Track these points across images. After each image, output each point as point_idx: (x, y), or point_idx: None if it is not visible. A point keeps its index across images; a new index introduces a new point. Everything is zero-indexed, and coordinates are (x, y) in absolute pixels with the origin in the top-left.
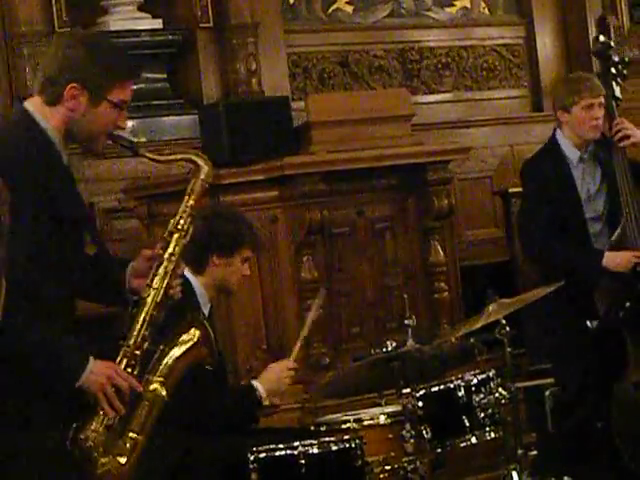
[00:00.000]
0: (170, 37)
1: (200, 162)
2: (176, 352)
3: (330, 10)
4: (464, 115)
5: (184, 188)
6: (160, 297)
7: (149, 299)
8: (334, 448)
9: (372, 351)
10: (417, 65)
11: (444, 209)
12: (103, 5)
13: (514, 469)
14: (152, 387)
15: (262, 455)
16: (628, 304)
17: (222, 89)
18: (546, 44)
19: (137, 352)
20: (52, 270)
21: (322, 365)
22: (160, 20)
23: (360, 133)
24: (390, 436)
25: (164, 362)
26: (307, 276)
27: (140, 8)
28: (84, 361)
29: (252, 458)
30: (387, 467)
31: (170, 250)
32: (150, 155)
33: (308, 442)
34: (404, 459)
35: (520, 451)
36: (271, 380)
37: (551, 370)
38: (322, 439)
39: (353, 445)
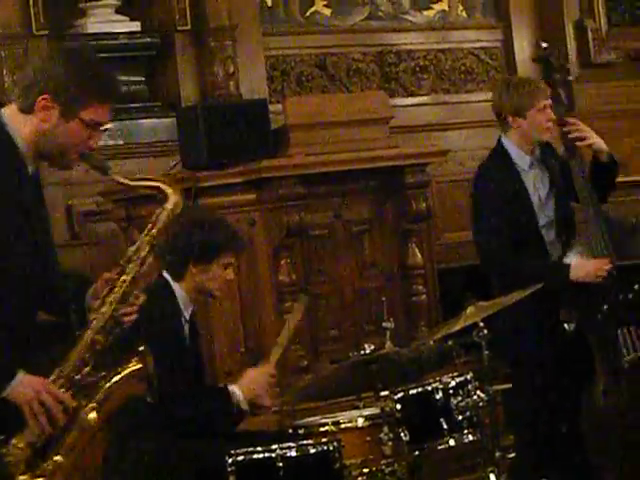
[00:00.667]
0: (148, 40)
1: (169, 191)
2: (114, 380)
3: (308, 13)
4: (442, 118)
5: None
6: (106, 322)
7: (94, 323)
8: (312, 451)
9: (350, 354)
10: (395, 68)
11: (422, 212)
12: (81, 8)
13: (492, 472)
14: (85, 412)
15: (240, 458)
16: (606, 307)
17: (200, 92)
18: (524, 47)
19: (74, 375)
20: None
21: (300, 368)
22: (138, 23)
23: (338, 136)
24: (368, 439)
25: (101, 389)
26: (285, 279)
27: (118, 11)
28: (11, 374)
29: (230, 461)
30: (365, 470)
31: (124, 277)
32: (119, 179)
33: (286, 445)
34: (382, 462)
35: (498, 454)
36: (249, 385)
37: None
38: (300, 442)
39: (331, 448)
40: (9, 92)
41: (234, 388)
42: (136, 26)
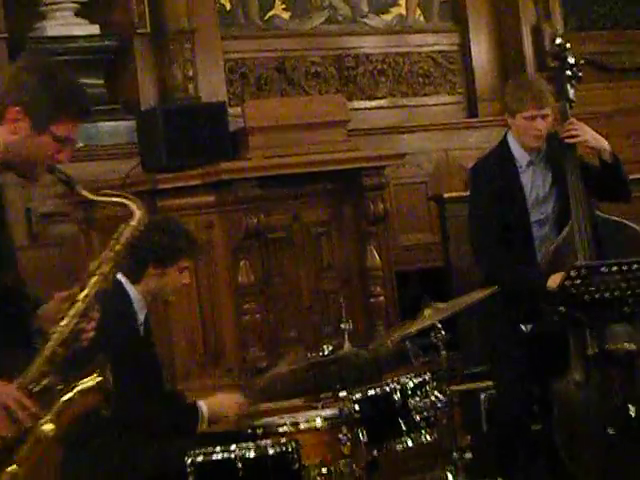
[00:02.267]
0: (107, 43)
1: (133, 207)
2: (72, 393)
3: (267, 16)
4: (400, 121)
5: (121, 193)
6: (67, 336)
7: (55, 335)
8: (271, 452)
9: (310, 355)
10: (353, 71)
11: (379, 214)
12: (40, 11)
13: (449, 471)
14: (41, 423)
15: (199, 459)
16: (562, 308)
17: (159, 95)
18: (481, 51)
19: (32, 387)
20: None
21: (258, 369)
22: (97, 26)
23: (296, 139)
24: (327, 439)
25: (59, 401)
26: (244, 280)
27: (77, 14)
28: None
29: (189, 461)
30: (323, 470)
31: (86, 292)
32: (85, 193)
33: (245, 445)
34: (341, 462)
35: (455, 453)
36: (218, 404)
37: (487, 372)
38: (259, 442)
39: (290, 449)
40: None
41: (202, 406)
42: (95, 29)
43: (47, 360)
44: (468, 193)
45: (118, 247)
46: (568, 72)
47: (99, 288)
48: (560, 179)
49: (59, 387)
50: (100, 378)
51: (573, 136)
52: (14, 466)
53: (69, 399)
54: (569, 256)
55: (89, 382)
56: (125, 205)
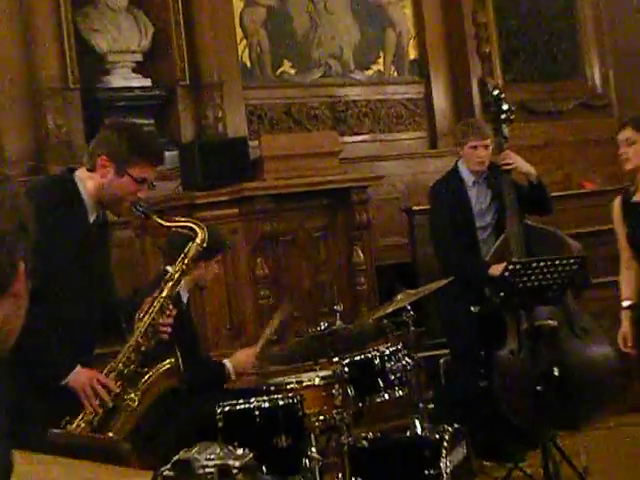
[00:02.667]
0: (156, 92)
1: (197, 230)
2: (153, 376)
3: (278, 72)
4: (379, 152)
5: (169, 206)
6: (147, 329)
7: (138, 330)
8: (281, 403)
9: (310, 330)
10: (343, 114)
11: (364, 222)
12: (106, 68)
13: (417, 418)
14: (130, 399)
15: (227, 409)
16: (502, 294)
17: (196, 132)
18: (440, 98)
19: (123, 370)
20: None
21: (272, 340)
22: (149, 79)
23: (300, 165)
24: (323, 394)
25: (144, 381)
26: (260, 273)
27: (134, 70)
28: (72, 366)
29: (219, 411)
30: (321, 417)
31: (162, 294)
32: (160, 221)
33: (261, 398)
34: (334, 411)
35: (421, 405)
36: (240, 362)
37: (444, 343)
38: (272, 396)
39: (295, 401)
40: (53, 134)
41: (228, 363)
42: (148, 82)
43: (133, 349)
44: (429, 206)
45: (187, 260)
46: (503, 116)
47: (173, 292)
48: (497, 196)
49: (145, 370)
50: (172, 362)
51: (508, 164)
52: (111, 433)
53: (151, 379)
54: (507, 254)
55: (165, 367)
56: (191, 228)
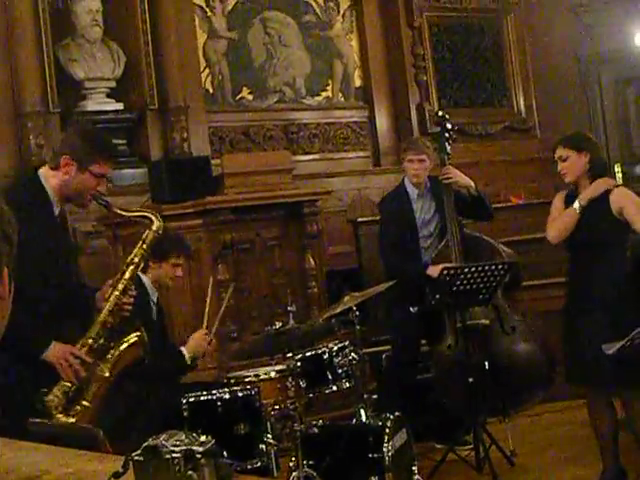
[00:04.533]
0: (128, 115)
1: (154, 218)
2: (121, 348)
3: (237, 97)
4: (327, 169)
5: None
6: (113, 308)
7: (105, 308)
8: (240, 394)
9: (266, 328)
10: (296, 135)
11: (314, 232)
12: (82, 93)
13: (362, 407)
14: (100, 369)
15: (191, 399)
16: (438, 296)
17: (163, 151)
18: (382, 122)
19: (93, 344)
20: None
21: (231, 337)
22: (121, 104)
23: (258, 181)
24: (278, 386)
25: (112, 354)
26: (221, 277)
27: (108, 95)
28: (48, 342)
29: (184, 401)
30: (276, 407)
31: (125, 276)
32: (119, 211)
33: (222, 390)
34: (288, 401)
35: (365, 395)
36: (192, 345)
37: (386, 340)
38: (232, 388)
39: (253, 392)
40: (34, 153)
41: (183, 349)
42: (120, 106)
43: (101, 326)
44: (378, 217)
45: (145, 245)
46: (446, 134)
47: (133, 274)
48: (440, 208)
49: (112, 344)
50: (139, 334)
51: (449, 178)
52: (85, 401)
53: (120, 352)
54: (446, 259)
55: (131, 339)
56: (148, 217)
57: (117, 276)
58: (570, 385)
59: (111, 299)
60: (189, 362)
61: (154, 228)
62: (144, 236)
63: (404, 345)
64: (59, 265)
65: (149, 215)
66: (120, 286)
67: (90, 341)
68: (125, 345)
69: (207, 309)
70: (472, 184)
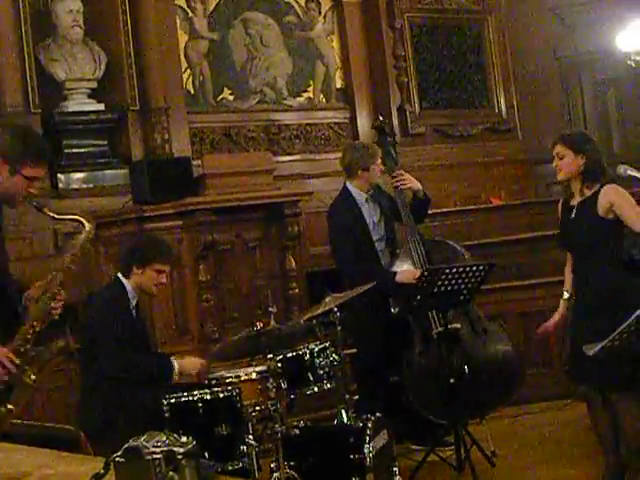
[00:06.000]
0: (109, 116)
1: (85, 222)
2: (45, 355)
3: (218, 98)
4: (309, 170)
5: (120, 218)
6: (42, 313)
7: (33, 313)
8: (221, 395)
9: (247, 329)
10: (277, 136)
11: (295, 233)
12: (64, 94)
13: (343, 408)
14: (27, 375)
15: (172, 400)
16: (416, 302)
17: (145, 152)
18: (363, 123)
19: (20, 348)
20: None
21: (213, 339)
22: (103, 104)
23: (239, 182)
24: (259, 387)
25: (39, 358)
26: (203, 278)
27: (89, 96)
28: None
29: (165, 402)
30: (257, 408)
31: (55, 281)
32: (49, 213)
33: (203, 391)
34: (269, 402)
35: (347, 396)
36: (184, 365)
37: (356, 345)
38: (213, 389)
39: (234, 393)
40: None
41: (175, 362)
42: (101, 107)
43: (28, 331)
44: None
45: (76, 251)
46: (388, 139)
47: (62, 279)
48: (384, 212)
49: (38, 349)
50: (64, 342)
51: (404, 183)
52: (10, 405)
53: (46, 358)
54: (408, 262)
55: (59, 344)
56: (78, 220)
57: (48, 279)
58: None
59: (39, 304)
60: (176, 377)
61: (87, 229)
62: (75, 240)
63: (374, 349)
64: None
65: (79, 218)
66: (50, 291)
67: (18, 344)
68: (51, 351)
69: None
70: (421, 187)
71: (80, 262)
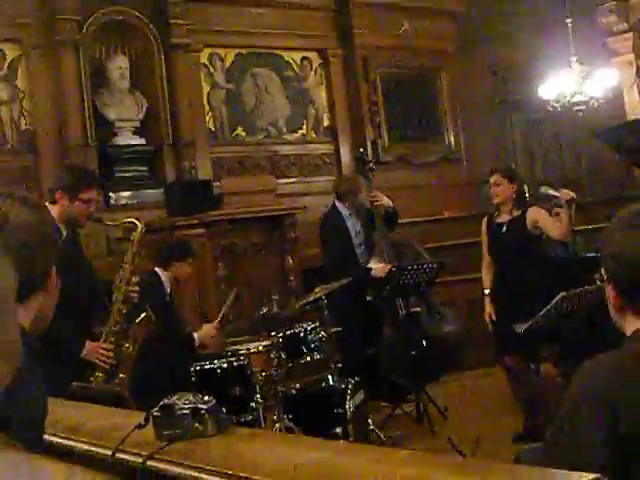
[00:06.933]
0: (148, 148)
1: (137, 223)
2: (135, 326)
3: (233, 134)
4: (303, 190)
5: (157, 227)
6: (123, 298)
7: (116, 299)
8: (235, 364)
9: (256, 313)
10: (279, 164)
11: (293, 239)
12: (114, 130)
13: (330, 374)
14: (125, 347)
15: (197, 368)
16: (385, 292)
17: (176, 175)
18: (345, 154)
19: (113, 328)
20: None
21: (229, 320)
22: (144, 139)
23: (249, 199)
24: (265, 357)
25: (130, 332)
26: (221, 274)
27: (134, 133)
28: (83, 344)
29: (192, 370)
30: (263, 374)
31: (126, 271)
32: (109, 222)
33: (221, 361)
34: (272, 369)
35: (332, 365)
36: (202, 333)
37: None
38: (229, 359)
39: (246, 362)
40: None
41: (194, 335)
42: (143, 141)
43: (117, 313)
44: (322, 237)
45: (134, 246)
46: (367, 167)
47: (132, 269)
48: (363, 224)
49: (129, 325)
50: (146, 314)
51: (378, 201)
52: (122, 374)
53: (135, 330)
54: (382, 262)
55: (141, 317)
56: (132, 222)
57: (120, 273)
58: (499, 356)
59: (119, 292)
60: (197, 344)
61: (139, 229)
62: (132, 237)
63: (355, 328)
64: (82, 277)
65: (133, 220)
66: (123, 279)
67: (112, 327)
68: (138, 324)
69: (224, 310)
70: (391, 204)
71: (140, 254)
